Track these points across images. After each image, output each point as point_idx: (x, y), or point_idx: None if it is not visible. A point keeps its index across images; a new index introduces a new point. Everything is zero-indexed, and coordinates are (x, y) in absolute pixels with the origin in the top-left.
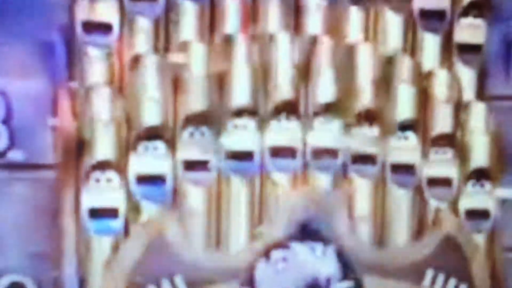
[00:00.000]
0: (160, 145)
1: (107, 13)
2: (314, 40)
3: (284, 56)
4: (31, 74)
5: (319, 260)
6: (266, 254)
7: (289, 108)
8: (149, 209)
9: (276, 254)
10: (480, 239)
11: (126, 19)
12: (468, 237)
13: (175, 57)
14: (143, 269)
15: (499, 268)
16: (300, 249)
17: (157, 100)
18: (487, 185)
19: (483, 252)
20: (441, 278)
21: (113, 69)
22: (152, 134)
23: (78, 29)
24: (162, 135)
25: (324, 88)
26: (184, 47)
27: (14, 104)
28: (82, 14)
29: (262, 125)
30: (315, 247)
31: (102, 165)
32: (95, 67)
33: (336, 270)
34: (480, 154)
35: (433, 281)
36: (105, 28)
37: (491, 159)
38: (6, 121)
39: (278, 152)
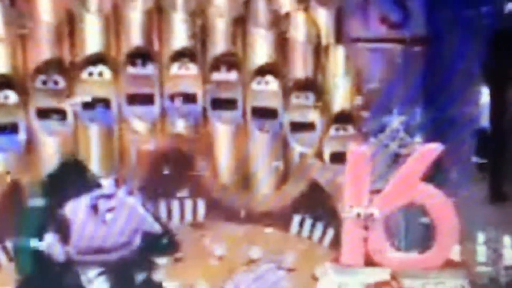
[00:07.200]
0: (11, 94)
1: None
2: None
3: None
4: None
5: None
6: None
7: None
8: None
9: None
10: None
11: None
12: (333, 180)
13: None
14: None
15: None
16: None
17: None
18: (351, 129)
19: None
20: (308, 222)
21: None
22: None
23: None
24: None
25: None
26: None
27: None
28: None
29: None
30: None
31: None
32: None
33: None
34: (342, 98)
35: (301, 226)
36: None
37: (352, 102)
38: None
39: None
